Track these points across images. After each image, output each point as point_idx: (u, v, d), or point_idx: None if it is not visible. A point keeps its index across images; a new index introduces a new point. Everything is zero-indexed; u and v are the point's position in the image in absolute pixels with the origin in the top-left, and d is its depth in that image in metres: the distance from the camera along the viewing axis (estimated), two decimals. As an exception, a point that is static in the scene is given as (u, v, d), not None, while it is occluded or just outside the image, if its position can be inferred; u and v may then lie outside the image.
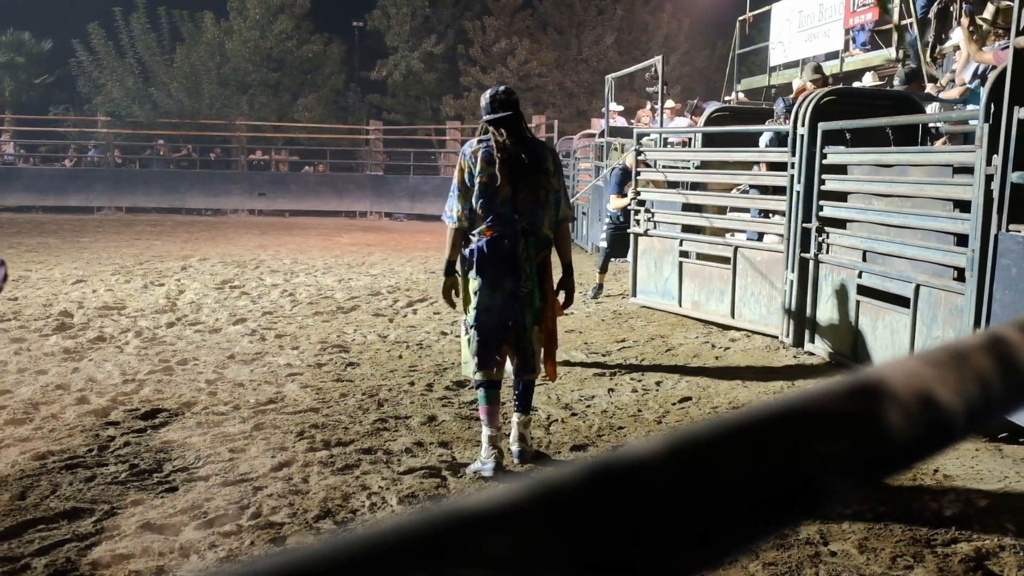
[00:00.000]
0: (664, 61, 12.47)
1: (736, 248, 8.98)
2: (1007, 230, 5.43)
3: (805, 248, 7.94)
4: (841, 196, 7.67)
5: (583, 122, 28.75)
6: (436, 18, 33.87)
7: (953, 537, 4.14)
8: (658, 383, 7.02)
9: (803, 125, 7.94)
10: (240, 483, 4.73)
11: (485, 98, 5.05)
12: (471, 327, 5.08)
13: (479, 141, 5.04)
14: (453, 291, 5.18)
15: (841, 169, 7.68)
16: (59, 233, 19.57)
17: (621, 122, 17.80)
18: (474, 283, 5.05)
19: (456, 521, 0.37)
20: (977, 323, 5.59)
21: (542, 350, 5.23)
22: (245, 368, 7.25)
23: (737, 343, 8.44)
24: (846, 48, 14.97)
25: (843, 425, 0.50)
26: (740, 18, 18.89)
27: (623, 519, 0.40)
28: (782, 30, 17.19)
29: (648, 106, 17.81)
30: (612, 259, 11.50)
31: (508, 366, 5.24)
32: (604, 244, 11.51)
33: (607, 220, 11.44)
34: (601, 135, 16.18)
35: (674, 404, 6.47)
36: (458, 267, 5.16)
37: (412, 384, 6.85)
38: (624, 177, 10.92)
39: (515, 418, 5.26)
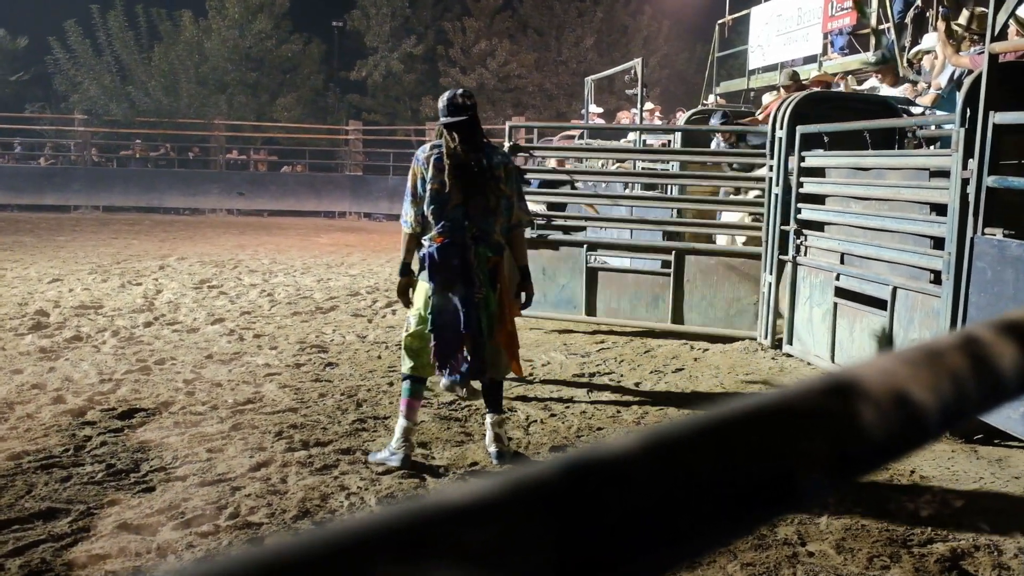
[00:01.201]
0: (644, 63, 12.50)
1: (680, 253, 8.79)
2: (983, 233, 5.47)
3: (783, 251, 7.98)
4: (819, 199, 7.71)
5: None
6: (416, 19, 33.81)
7: (929, 537, 4.18)
8: (637, 384, 7.04)
9: (782, 128, 7.98)
10: (218, 483, 4.71)
11: (442, 100, 5.04)
12: (428, 331, 5.07)
13: (432, 147, 5.05)
14: (408, 291, 5.24)
15: (819, 172, 7.73)
16: (35, 232, 19.41)
17: (601, 124, 17.83)
18: (427, 287, 5.06)
19: (435, 515, 0.38)
20: (953, 325, 5.63)
21: (505, 352, 5.24)
22: (223, 368, 7.21)
23: (716, 345, 8.47)
24: (824, 52, 15.05)
25: (819, 423, 0.51)
26: (719, 21, 18.97)
27: (601, 514, 0.41)
28: (761, 33, 17.28)
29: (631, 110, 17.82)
30: None
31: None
32: None
33: None
34: (581, 137, 16.20)
35: (653, 405, 6.48)
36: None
37: (391, 384, 6.84)
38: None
39: (488, 419, 5.27)
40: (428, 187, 4.96)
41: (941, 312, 5.81)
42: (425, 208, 5.00)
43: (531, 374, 7.28)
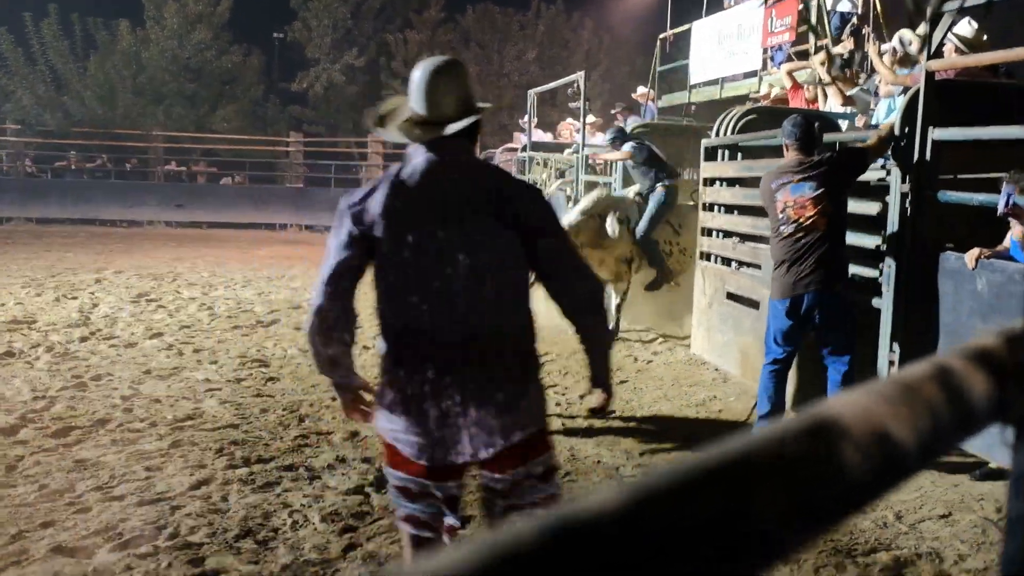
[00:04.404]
0: (586, 77, 12.56)
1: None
2: (921, 246, 5.57)
3: (726, 263, 8.04)
4: (761, 211, 7.77)
5: (505, 136, 28.82)
6: (358, 31, 33.63)
7: (873, 547, 4.23)
8: (581, 396, 7.04)
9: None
10: (157, 502, 4.62)
11: None
12: None
13: None
14: None
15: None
16: (-34, 244, 18.95)
17: (542, 136, 17.88)
18: None
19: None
20: (894, 336, 5.71)
21: None
22: (162, 384, 7.08)
23: (659, 356, 8.52)
24: (764, 67, 15.22)
25: (800, 469, 0.48)
26: (661, 36, 19.11)
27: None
28: (702, 48, 17.43)
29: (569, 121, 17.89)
30: None
31: None
32: None
33: None
34: (523, 149, 16.23)
35: (598, 417, 6.48)
36: None
37: (334, 399, 6.70)
38: None
39: None
40: None
41: (882, 323, 5.88)
42: None
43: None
